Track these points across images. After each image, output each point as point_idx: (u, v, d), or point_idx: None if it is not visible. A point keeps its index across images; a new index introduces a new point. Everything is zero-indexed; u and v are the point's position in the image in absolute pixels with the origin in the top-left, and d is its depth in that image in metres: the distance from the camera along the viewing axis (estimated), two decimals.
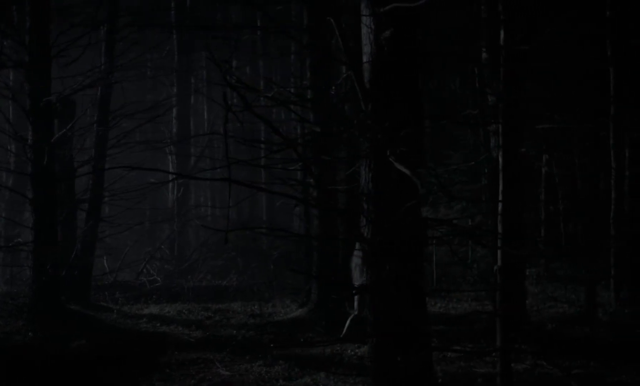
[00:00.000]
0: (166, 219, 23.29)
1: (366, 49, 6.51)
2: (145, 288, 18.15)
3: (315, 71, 11.39)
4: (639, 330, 12.40)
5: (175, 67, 23.37)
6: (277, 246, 22.45)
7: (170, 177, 20.39)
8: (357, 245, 12.00)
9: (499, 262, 7.53)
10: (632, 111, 14.75)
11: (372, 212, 6.35)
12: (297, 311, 14.25)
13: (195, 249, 22.88)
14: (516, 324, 11.85)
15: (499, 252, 7.60)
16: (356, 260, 11.95)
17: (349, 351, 11.39)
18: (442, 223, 6.50)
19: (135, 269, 20.60)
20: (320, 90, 10.59)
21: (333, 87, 9.65)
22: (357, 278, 11.98)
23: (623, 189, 15.19)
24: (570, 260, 16.13)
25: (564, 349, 11.10)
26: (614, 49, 14.10)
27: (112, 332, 13.16)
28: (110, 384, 10.35)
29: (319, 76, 11.13)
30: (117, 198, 15.80)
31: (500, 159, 7.44)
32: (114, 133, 16.23)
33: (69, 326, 13.12)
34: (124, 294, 17.16)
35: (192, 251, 22.81)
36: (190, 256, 22.48)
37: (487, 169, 14.79)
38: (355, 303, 12.35)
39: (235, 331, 13.07)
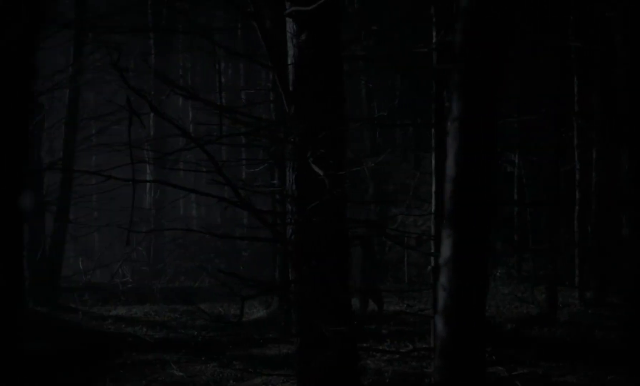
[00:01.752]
0: (142, 221, 23.28)
1: (290, 51, 6.56)
2: (117, 290, 18.17)
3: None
4: (597, 331, 12.43)
5: (152, 67, 23.34)
6: (256, 248, 22.48)
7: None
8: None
9: (432, 263, 7.58)
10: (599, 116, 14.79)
11: (294, 213, 6.40)
12: (262, 312, 14.29)
13: (171, 251, 22.90)
14: None
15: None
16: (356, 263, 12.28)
17: None
18: (364, 224, 6.55)
19: (110, 271, 20.62)
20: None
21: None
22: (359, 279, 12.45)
23: (591, 190, 15.25)
24: (533, 260, 16.13)
25: (518, 349, 11.15)
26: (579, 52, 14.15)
27: (75, 334, 13.20)
28: (62, 385, 10.39)
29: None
30: (86, 200, 15.82)
31: (433, 161, 7.49)
32: (91, 134, 16.26)
33: (32, 328, 13.14)
34: (94, 296, 17.18)
35: (167, 253, 22.82)
36: (166, 258, 22.49)
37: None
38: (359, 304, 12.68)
39: (196, 332, 13.11)
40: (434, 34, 7.39)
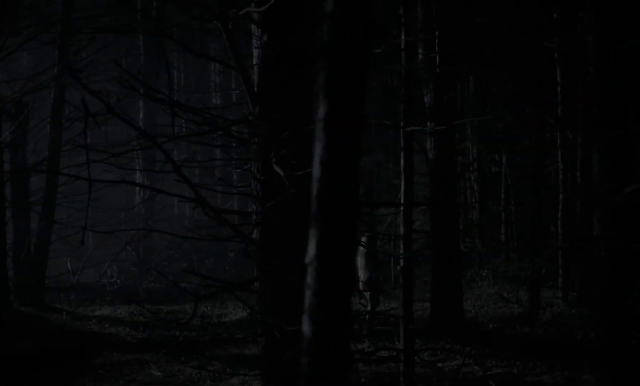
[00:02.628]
0: (131, 221, 23.28)
1: (254, 52, 6.59)
2: (104, 290, 18.17)
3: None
4: (578, 330, 12.47)
5: (141, 69, 23.35)
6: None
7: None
8: (360, 249, 12.48)
9: (402, 263, 7.60)
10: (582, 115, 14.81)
11: (258, 213, 6.42)
12: (244, 312, 14.31)
13: (161, 251, 22.88)
14: (453, 325, 11.96)
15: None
16: (360, 260, 12.47)
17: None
18: None
19: (99, 271, 20.62)
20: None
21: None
22: (361, 275, 12.56)
23: (573, 191, 15.27)
24: (520, 260, 16.16)
25: (497, 348, 11.18)
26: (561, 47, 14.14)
27: (57, 334, 13.20)
28: (41, 384, 10.42)
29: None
30: (70, 200, 15.81)
31: (402, 161, 7.51)
32: (76, 134, 16.22)
33: (16, 328, 13.16)
34: (80, 296, 17.18)
35: (156, 253, 22.82)
36: (155, 258, 22.49)
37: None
38: (368, 299, 12.75)
39: (178, 332, 13.12)
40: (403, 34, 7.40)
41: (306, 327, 2.51)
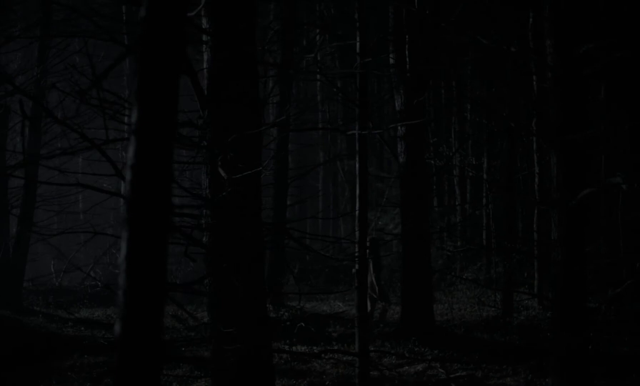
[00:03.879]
0: (119, 222, 23.27)
1: (204, 56, 6.64)
2: (85, 292, 18.19)
3: None
4: (549, 334, 12.48)
5: (126, 72, 23.46)
6: None
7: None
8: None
9: (357, 266, 7.64)
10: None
11: (207, 216, 6.46)
12: None
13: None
14: (423, 328, 12.00)
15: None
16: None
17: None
18: (278, 228, 6.61)
19: (82, 274, 20.63)
20: None
21: None
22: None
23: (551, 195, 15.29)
24: (501, 264, 16.12)
25: (466, 352, 11.21)
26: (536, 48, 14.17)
27: (30, 336, 13.22)
28: (7, 384, 10.43)
29: None
30: (49, 203, 15.85)
31: (357, 165, 7.55)
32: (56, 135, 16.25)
33: None
34: (60, 298, 17.20)
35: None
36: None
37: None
38: (368, 302, 12.70)
39: None
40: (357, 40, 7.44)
41: (117, 326, 2.55)
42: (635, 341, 11.50)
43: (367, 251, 12.74)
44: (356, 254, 7.38)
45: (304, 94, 24.74)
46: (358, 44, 7.49)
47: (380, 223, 19.45)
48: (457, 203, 20.07)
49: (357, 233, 7.55)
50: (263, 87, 14.79)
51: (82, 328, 14.12)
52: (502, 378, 9.93)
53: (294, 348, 11.53)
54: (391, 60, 12.03)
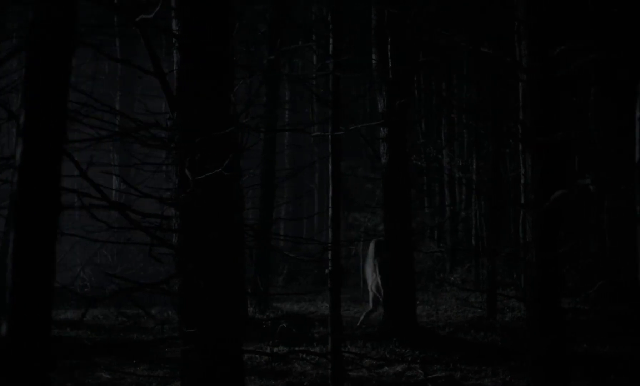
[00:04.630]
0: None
1: (175, 56, 6.66)
2: (74, 293, 18.15)
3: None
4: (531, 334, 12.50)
5: (119, 74, 23.48)
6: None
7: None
8: (370, 251, 12.98)
9: (330, 266, 7.67)
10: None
11: (177, 217, 6.48)
12: None
13: (137, 253, 22.88)
14: (405, 329, 12.03)
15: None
16: (367, 262, 13.10)
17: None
18: (253, 229, 6.65)
19: (73, 274, 20.63)
20: None
21: None
22: (368, 279, 13.24)
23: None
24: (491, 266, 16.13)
25: (447, 352, 11.21)
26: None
27: None
28: None
29: None
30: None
31: (330, 166, 7.58)
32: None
33: None
34: None
35: (131, 256, 22.83)
36: (131, 261, 22.51)
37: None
38: (370, 300, 13.23)
39: (136, 335, 13.18)
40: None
41: (4, 326, 2.58)
42: (616, 341, 11.53)
43: (373, 252, 12.95)
44: (327, 256, 7.40)
45: (300, 96, 24.83)
46: (331, 46, 7.52)
47: (369, 224, 19.49)
48: (447, 204, 20.09)
49: (330, 235, 7.57)
50: (248, 88, 14.87)
51: (68, 329, 14.14)
52: (480, 379, 9.96)
53: (275, 349, 11.55)
54: (373, 62, 12.07)
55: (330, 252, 7.54)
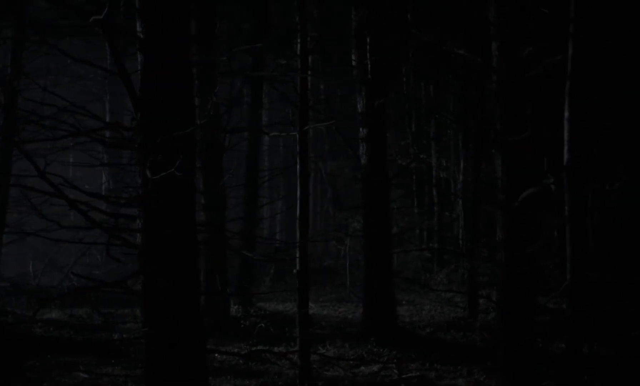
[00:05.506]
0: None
1: (139, 57, 6.69)
2: (60, 293, 18.18)
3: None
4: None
5: (107, 73, 23.43)
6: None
7: None
8: None
9: (297, 266, 7.70)
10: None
11: (139, 216, 6.52)
12: None
13: (125, 253, 22.90)
14: (384, 328, 12.06)
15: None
16: None
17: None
18: (211, 227, 6.68)
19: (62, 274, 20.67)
20: None
21: None
22: None
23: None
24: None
25: (425, 352, 11.24)
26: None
27: None
28: None
29: None
30: (23, 204, 15.86)
31: (298, 166, 7.59)
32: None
33: None
34: (33, 298, 17.21)
35: (119, 256, 22.84)
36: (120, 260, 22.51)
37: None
38: None
39: (117, 335, 13.20)
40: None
41: None
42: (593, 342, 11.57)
43: None
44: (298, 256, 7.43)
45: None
46: (299, 46, 7.55)
47: (356, 224, 19.51)
48: (434, 204, 20.12)
49: (297, 235, 7.59)
50: (229, 89, 14.91)
51: (51, 329, 14.17)
52: (454, 378, 9.98)
53: (254, 348, 11.57)
54: (353, 62, 12.10)
55: (298, 252, 7.56)
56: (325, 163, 25.94)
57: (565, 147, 6.91)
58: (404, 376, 9.86)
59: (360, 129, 12.00)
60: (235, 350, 10.85)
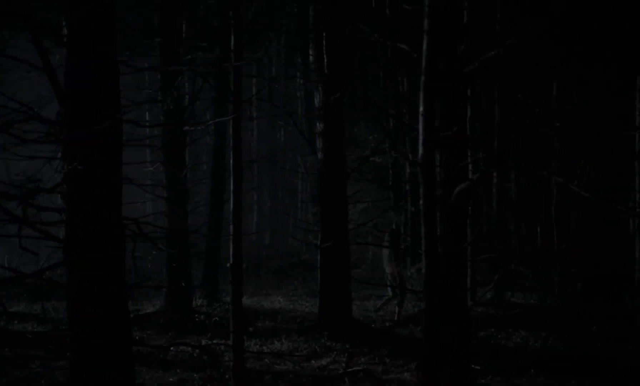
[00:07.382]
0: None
1: (64, 51, 6.73)
2: (39, 285, 18.19)
3: None
4: (472, 329, 12.59)
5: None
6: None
7: None
8: (386, 241, 13.68)
9: (231, 260, 7.76)
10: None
11: (66, 211, 6.56)
12: (152, 308, 14.49)
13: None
14: (339, 322, 12.12)
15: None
16: (384, 252, 13.70)
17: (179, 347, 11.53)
18: (135, 222, 6.73)
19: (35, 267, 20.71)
20: None
21: None
22: (387, 268, 13.74)
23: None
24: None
25: (378, 347, 11.29)
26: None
27: None
28: None
29: None
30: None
31: (231, 160, 7.66)
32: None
33: None
34: (2, 291, 17.24)
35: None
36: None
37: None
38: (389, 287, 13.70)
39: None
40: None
41: None
42: (529, 336, 11.78)
43: (390, 241, 13.09)
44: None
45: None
46: (233, 41, 7.60)
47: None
48: (406, 199, 20.16)
49: (231, 229, 7.66)
50: (192, 83, 14.95)
51: (16, 322, 14.22)
52: (401, 372, 10.05)
53: (210, 342, 11.65)
54: (310, 57, 12.14)
55: (231, 245, 7.62)
56: (304, 158, 26.01)
57: (420, 140, 6.95)
58: (349, 370, 9.92)
59: (317, 124, 12.05)
60: (177, 343, 10.79)
